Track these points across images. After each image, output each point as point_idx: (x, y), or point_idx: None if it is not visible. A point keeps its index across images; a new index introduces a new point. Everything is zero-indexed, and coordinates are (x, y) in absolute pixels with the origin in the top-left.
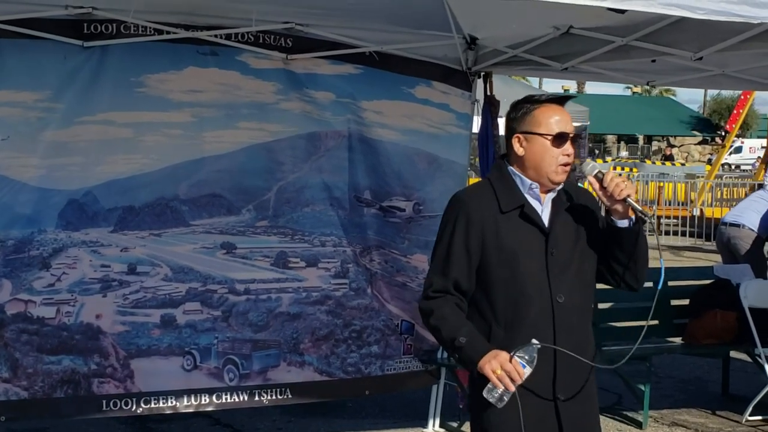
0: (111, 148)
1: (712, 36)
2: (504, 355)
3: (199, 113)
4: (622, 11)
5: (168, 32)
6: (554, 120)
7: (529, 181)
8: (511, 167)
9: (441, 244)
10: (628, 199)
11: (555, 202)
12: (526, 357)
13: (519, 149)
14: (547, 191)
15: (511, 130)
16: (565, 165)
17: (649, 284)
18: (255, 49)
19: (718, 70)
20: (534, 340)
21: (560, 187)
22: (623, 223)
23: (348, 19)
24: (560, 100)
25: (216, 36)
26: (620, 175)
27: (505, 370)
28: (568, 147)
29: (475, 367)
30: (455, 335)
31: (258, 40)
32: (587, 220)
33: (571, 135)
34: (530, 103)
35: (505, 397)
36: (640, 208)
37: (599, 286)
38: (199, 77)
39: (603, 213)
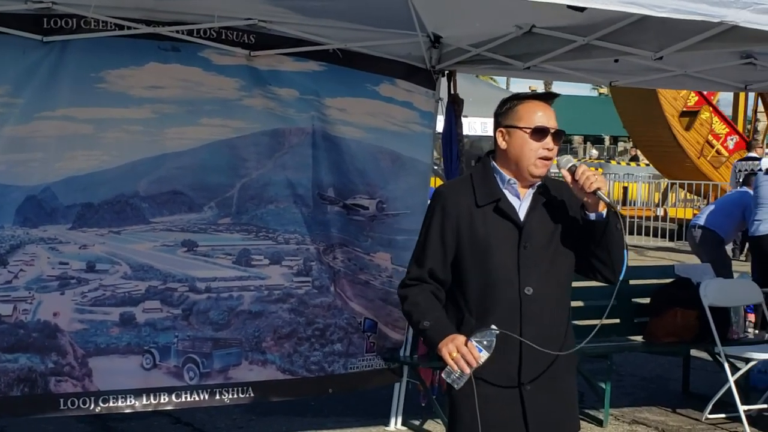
0: (71, 144)
1: (672, 36)
2: (461, 339)
3: (161, 109)
4: (582, 9)
5: (129, 28)
6: (536, 115)
7: (507, 177)
8: (494, 163)
9: (420, 236)
10: (598, 192)
11: (535, 197)
12: (484, 342)
13: (502, 143)
14: (528, 186)
15: (496, 125)
16: (545, 159)
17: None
18: (217, 45)
19: (680, 70)
20: (493, 326)
21: (540, 182)
22: (594, 216)
23: (311, 16)
24: (546, 96)
25: (177, 32)
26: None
27: (461, 353)
28: (548, 142)
29: (435, 349)
30: (421, 319)
31: (220, 36)
32: (567, 215)
33: (552, 130)
34: (517, 99)
35: (462, 380)
36: (608, 200)
37: None
38: (160, 73)
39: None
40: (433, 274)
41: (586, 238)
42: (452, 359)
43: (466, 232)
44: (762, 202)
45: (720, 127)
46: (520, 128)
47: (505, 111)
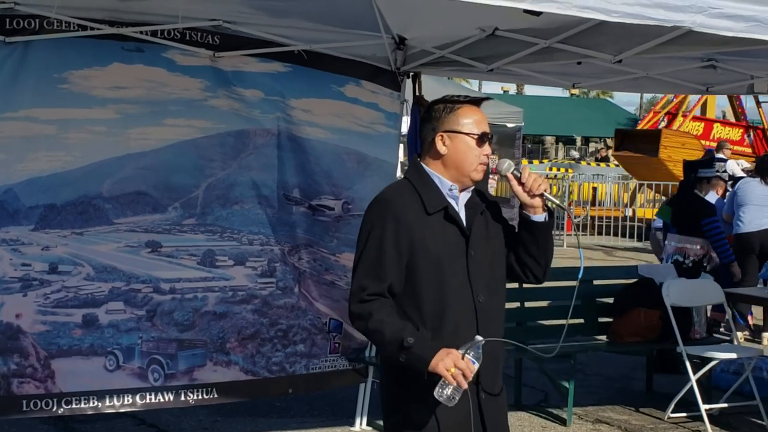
0: (33, 145)
1: (631, 39)
2: (456, 353)
3: (124, 110)
4: (538, 13)
5: (92, 28)
6: (476, 120)
7: (449, 183)
8: (428, 167)
9: (370, 246)
10: (545, 193)
11: (469, 202)
12: (474, 354)
13: (442, 148)
14: (462, 191)
15: (431, 129)
16: (483, 164)
17: (573, 283)
18: (181, 46)
19: (642, 72)
20: (478, 336)
21: (473, 187)
22: (539, 218)
23: (276, 17)
24: (478, 101)
25: (141, 32)
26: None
27: (459, 368)
28: (487, 147)
29: (426, 366)
30: (401, 336)
31: (185, 37)
32: (497, 219)
33: (489, 136)
34: (451, 103)
35: (456, 396)
36: (557, 201)
37: (526, 286)
38: (124, 73)
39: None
40: (391, 288)
41: (525, 239)
42: (451, 375)
43: (419, 241)
44: (746, 203)
45: (735, 134)
46: (466, 134)
47: (443, 115)
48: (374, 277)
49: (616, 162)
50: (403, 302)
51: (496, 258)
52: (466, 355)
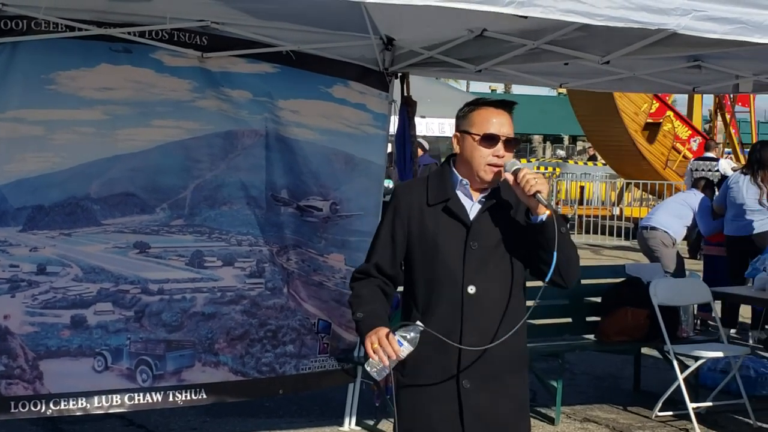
0: (21, 146)
1: (617, 41)
2: (383, 331)
3: (112, 111)
4: (524, 16)
5: (80, 29)
6: (488, 122)
7: (460, 178)
8: (452, 165)
9: (375, 233)
10: (537, 194)
11: (488, 199)
12: (407, 336)
13: (456, 147)
14: (481, 188)
15: (455, 128)
16: (494, 165)
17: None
18: (169, 47)
19: (629, 73)
20: (418, 322)
21: (494, 186)
22: (535, 219)
23: (264, 18)
24: (505, 104)
25: (129, 33)
26: (543, 173)
27: (381, 345)
28: (498, 149)
29: (363, 340)
30: (356, 311)
31: (173, 37)
32: (519, 219)
33: (503, 138)
34: (475, 104)
35: (383, 372)
36: (546, 202)
37: None
38: (111, 74)
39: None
40: (379, 268)
41: (531, 241)
42: (373, 350)
43: (415, 230)
44: (735, 203)
45: (683, 131)
46: (471, 134)
47: (462, 115)
48: (366, 258)
49: (603, 161)
50: (406, 286)
51: (508, 255)
52: (396, 335)
